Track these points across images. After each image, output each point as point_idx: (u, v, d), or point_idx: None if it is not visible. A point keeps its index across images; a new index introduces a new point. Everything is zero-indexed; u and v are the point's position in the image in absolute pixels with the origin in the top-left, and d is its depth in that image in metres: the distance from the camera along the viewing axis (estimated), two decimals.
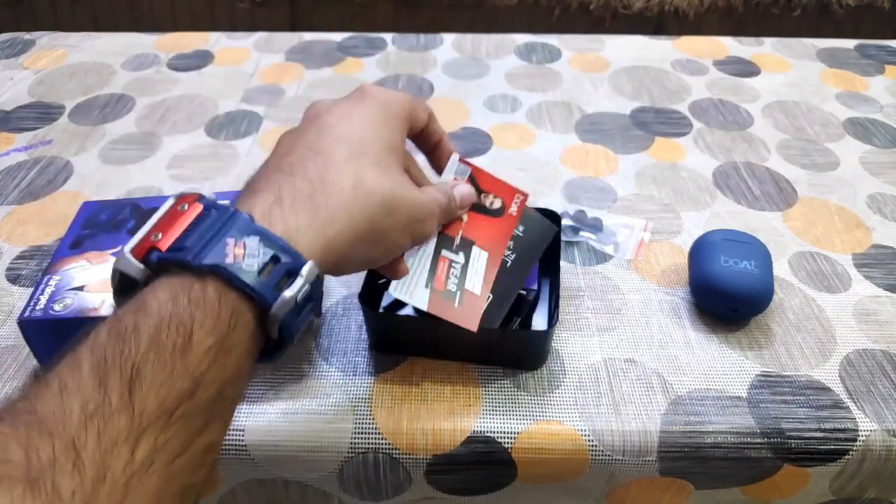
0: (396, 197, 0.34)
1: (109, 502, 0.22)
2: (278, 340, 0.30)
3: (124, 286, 0.29)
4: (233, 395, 0.28)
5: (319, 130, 0.35)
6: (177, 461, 0.25)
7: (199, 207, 0.31)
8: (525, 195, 0.45)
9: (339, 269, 0.33)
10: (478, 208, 0.43)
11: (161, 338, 0.25)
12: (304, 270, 0.29)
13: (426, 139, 0.42)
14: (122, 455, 0.23)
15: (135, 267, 0.28)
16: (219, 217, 0.30)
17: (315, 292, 0.30)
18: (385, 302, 0.48)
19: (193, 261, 0.28)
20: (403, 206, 0.34)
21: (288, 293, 0.28)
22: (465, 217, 0.42)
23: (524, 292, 0.47)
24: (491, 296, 0.41)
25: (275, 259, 0.29)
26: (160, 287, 0.27)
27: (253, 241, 0.29)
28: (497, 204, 0.44)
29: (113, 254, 0.46)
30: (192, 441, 0.25)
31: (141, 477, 0.23)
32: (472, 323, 0.39)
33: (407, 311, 0.46)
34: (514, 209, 0.44)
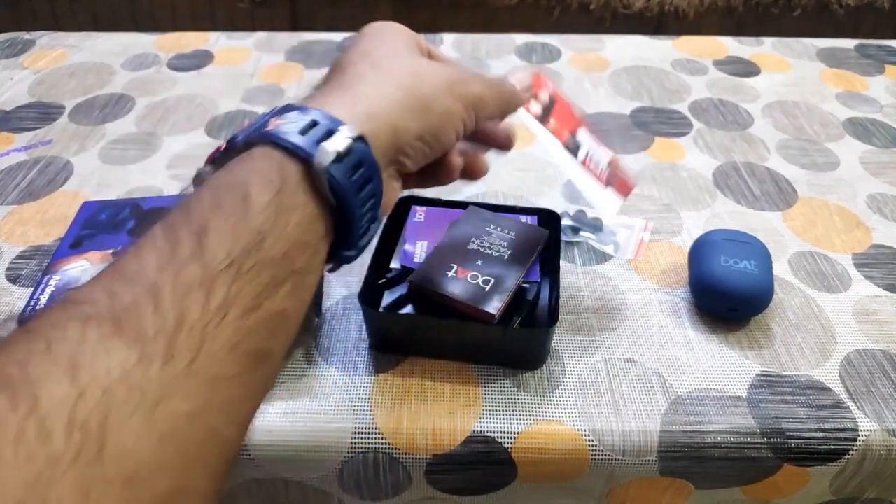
0: (433, 63, 0.36)
1: (188, 345, 0.23)
2: (345, 228, 0.31)
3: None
4: (303, 265, 0.29)
5: (358, 53, 0.37)
6: (251, 316, 0.26)
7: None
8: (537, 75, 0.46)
9: (395, 139, 0.33)
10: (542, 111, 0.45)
11: (221, 198, 0.27)
12: (343, 126, 0.30)
13: None
14: (198, 300, 0.24)
15: (206, 171, 0.31)
16: (266, 112, 0.32)
17: (364, 158, 0.31)
18: (385, 301, 0.48)
19: (247, 134, 0.30)
20: (440, 69, 0.35)
21: (327, 144, 0.29)
22: (553, 120, 0.45)
23: (527, 285, 0.46)
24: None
25: (313, 123, 0.30)
26: (214, 169, 0.30)
27: (291, 113, 0.30)
28: (543, 97, 0.45)
29: (113, 253, 0.46)
30: (263, 298, 0.26)
31: (217, 324, 0.24)
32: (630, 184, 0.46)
33: (407, 310, 0.46)
34: (545, 95, 0.46)
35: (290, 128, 0.29)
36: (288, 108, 0.31)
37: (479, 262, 0.45)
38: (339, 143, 0.29)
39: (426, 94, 0.34)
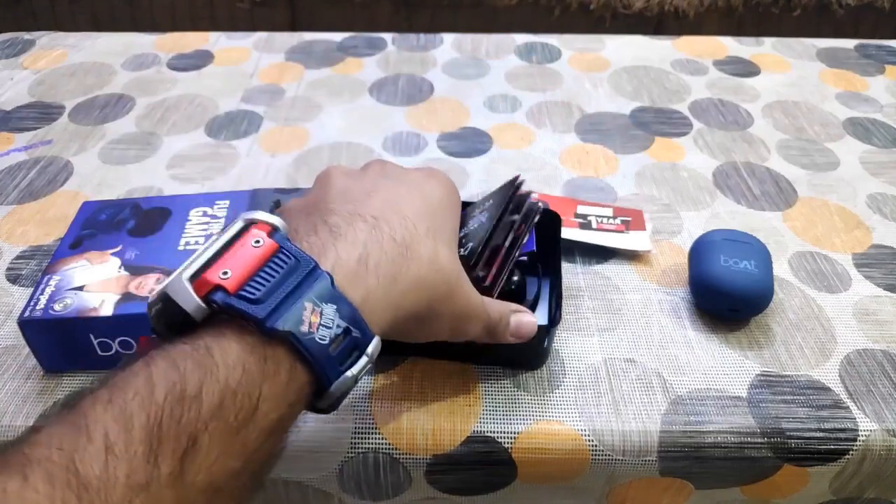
0: (459, 283, 0.33)
1: None
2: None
3: (169, 314, 0.26)
4: (261, 476, 0.26)
5: (396, 190, 0.33)
6: None
7: (273, 247, 0.27)
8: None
9: (387, 337, 0.31)
10: None
11: (225, 409, 0.23)
12: (370, 349, 0.28)
13: None
14: None
15: (194, 304, 0.25)
16: (297, 268, 0.27)
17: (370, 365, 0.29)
18: None
19: (268, 322, 0.25)
20: (461, 295, 0.33)
21: (350, 373, 0.27)
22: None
23: (524, 258, 0.46)
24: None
25: (346, 331, 0.26)
26: (228, 345, 0.24)
27: (330, 310, 0.26)
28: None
29: (113, 254, 0.46)
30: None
31: None
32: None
33: None
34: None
35: (322, 336, 0.25)
36: (330, 294, 0.26)
37: (466, 241, 0.44)
38: (362, 368, 0.27)
39: (438, 315, 0.32)
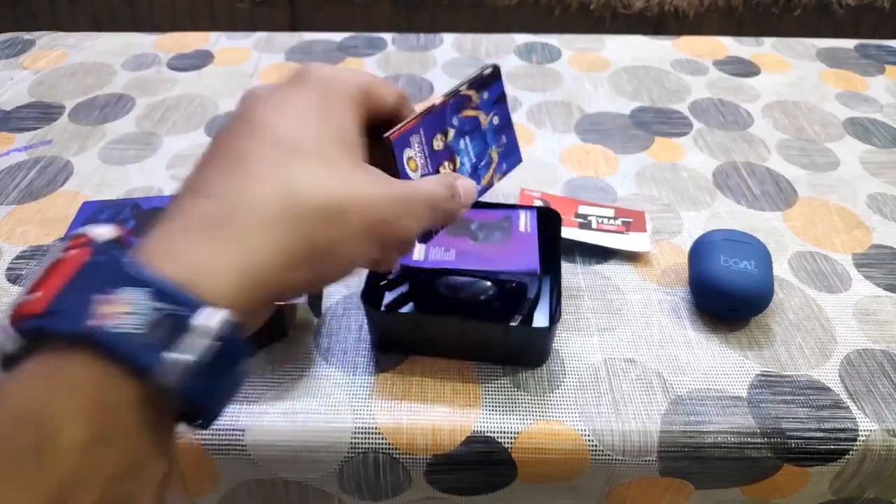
0: (346, 197, 0.27)
1: None
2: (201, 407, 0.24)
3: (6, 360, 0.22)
4: (134, 490, 0.22)
5: (244, 131, 0.28)
6: None
7: (85, 253, 0.23)
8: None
9: (275, 299, 0.26)
10: None
11: (15, 437, 0.19)
12: (198, 320, 0.22)
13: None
14: None
15: (9, 337, 0.22)
16: (106, 264, 0.23)
17: (234, 344, 0.23)
18: (386, 300, 0.48)
19: (64, 327, 0.21)
20: (355, 206, 0.27)
21: (178, 355, 0.22)
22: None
23: (526, 280, 0.46)
24: None
25: (165, 313, 0.22)
26: (26, 367, 0.21)
27: (138, 295, 0.22)
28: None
29: None
30: None
31: None
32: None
33: (408, 309, 0.46)
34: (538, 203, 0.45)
35: (132, 325, 0.21)
36: (137, 277, 0.22)
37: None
38: (195, 343, 0.22)
39: (330, 245, 0.26)
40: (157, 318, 0.22)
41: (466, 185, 0.34)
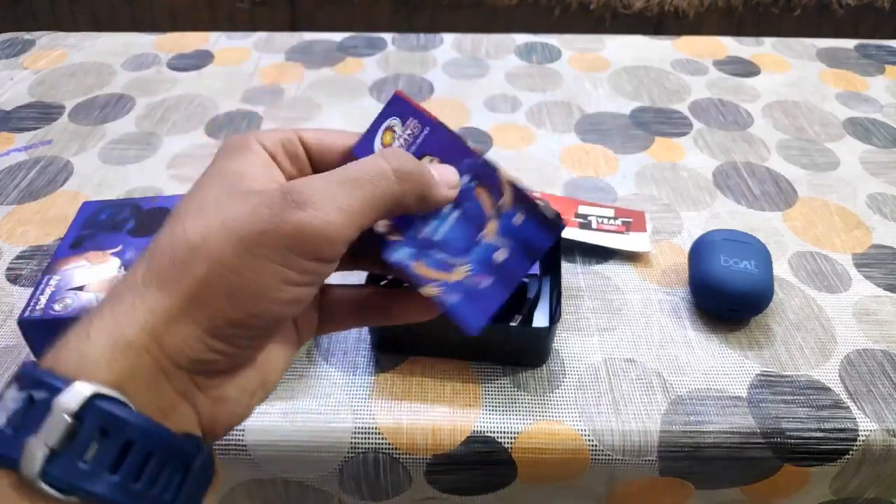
0: (205, 227, 0.23)
1: None
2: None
3: None
4: None
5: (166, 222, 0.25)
6: None
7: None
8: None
9: (166, 359, 0.22)
10: None
11: None
12: (63, 399, 0.20)
13: (322, 158, 0.28)
14: None
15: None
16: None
17: (113, 419, 0.20)
18: None
19: None
20: (217, 231, 0.23)
21: (31, 440, 0.20)
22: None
23: (526, 280, 0.46)
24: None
25: (29, 398, 0.20)
26: None
27: (11, 389, 0.21)
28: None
29: (113, 254, 0.46)
30: None
31: None
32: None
33: None
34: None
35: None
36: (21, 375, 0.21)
37: None
38: (55, 425, 0.20)
39: (207, 278, 0.22)
40: (21, 406, 0.20)
41: (444, 171, 0.27)
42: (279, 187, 0.23)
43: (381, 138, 0.29)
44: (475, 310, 0.27)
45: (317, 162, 0.27)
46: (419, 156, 0.28)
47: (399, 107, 0.29)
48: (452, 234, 0.27)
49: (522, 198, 0.27)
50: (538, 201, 0.27)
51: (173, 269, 0.22)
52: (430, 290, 0.27)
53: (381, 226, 0.28)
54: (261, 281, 0.22)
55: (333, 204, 0.23)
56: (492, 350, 0.44)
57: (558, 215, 0.27)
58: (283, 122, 0.70)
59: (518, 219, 0.27)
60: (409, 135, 0.29)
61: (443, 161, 0.28)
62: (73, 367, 0.21)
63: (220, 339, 0.23)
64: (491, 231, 0.28)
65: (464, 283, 0.27)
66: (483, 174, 0.28)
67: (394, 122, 0.29)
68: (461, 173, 0.28)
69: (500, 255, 0.27)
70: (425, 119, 0.29)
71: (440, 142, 0.28)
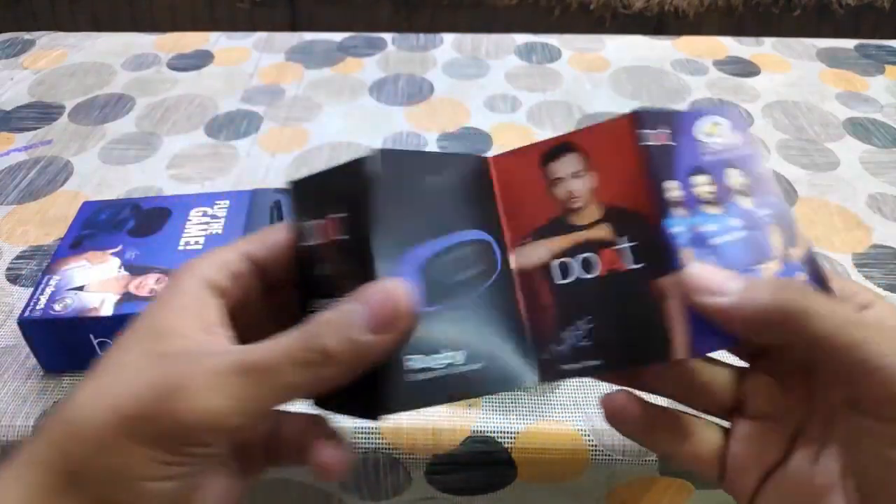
0: (85, 404, 0.22)
1: None
2: None
3: None
4: None
5: None
6: None
7: None
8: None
9: None
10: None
11: None
12: None
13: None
14: None
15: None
16: None
17: None
18: None
19: None
20: (91, 411, 0.22)
21: None
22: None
23: None
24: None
25: None
26: None
27: None
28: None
29: (113, 254, 0.46)
30: None
31: None
32: None
33: None
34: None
35: None
36: None
37: None
38: None
39: (83, 454, 0.22)
40: None
41: (395, 291, 0.22)
42: (171, 372, 0.22)
43: (706, 128, 0.27)
44: (704, 334, 0.24)
45: (272, 263, 0.27)
46: (730, 167, 0.27)
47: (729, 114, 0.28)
48: (731, 249, 0.25)
49: (816, 268, 0.26)
50: (830, 286, 0.26)
51: (52, 448, 0.22)
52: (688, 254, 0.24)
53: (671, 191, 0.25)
54: (134, 463, 0.21)
55: (221, 393, 0.21)
56: None
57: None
58: (284, 122, 0.70)
59: (801, 277, 0.26)
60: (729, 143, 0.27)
61: (751, 187, 0.27)
62: None
63: None
64: (770, 270, 0.25)
65: None
66: (782, 216, 0.27)
67: (721, 120, 0.27)
68: (762, 206, 0.27)
69: None
70: (748, 135, 0.28)
71: (751, 164, 0.27)
